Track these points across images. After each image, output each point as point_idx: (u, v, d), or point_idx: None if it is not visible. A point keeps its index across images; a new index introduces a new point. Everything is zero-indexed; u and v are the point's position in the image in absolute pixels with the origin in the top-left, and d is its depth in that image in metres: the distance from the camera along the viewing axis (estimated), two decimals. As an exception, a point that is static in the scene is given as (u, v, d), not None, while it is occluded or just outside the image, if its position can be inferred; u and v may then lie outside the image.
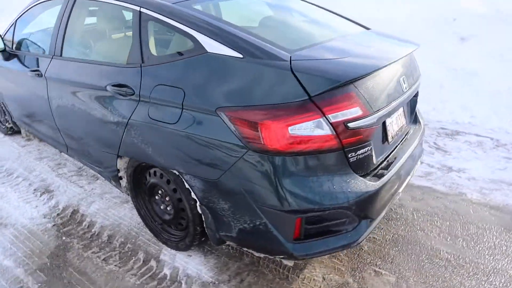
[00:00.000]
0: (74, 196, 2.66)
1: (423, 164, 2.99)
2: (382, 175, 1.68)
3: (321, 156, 1.46)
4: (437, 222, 2.30)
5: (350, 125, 1.45)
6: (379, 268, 1.96)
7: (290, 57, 1.50)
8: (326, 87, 1.40)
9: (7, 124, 3.59)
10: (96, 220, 2.40)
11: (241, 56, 1.54)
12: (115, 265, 2.02)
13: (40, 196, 2.68)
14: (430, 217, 2.35)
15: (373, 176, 1.66)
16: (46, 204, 2.59)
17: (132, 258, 2.07)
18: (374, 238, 2.18)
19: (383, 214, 1.78)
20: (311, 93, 1.39)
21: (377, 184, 1.61)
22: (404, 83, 1.80)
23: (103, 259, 2.07)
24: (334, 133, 1.43)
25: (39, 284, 1.91)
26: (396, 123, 1.87)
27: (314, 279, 1.90)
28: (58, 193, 2.71)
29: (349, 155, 1.51)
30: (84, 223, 2.37)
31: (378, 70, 1.57)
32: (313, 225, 1.54)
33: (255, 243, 1.65)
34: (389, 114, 1.72)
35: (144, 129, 1.81)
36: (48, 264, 2.04)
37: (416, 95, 2.13)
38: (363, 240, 1.65)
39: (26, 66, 2.70)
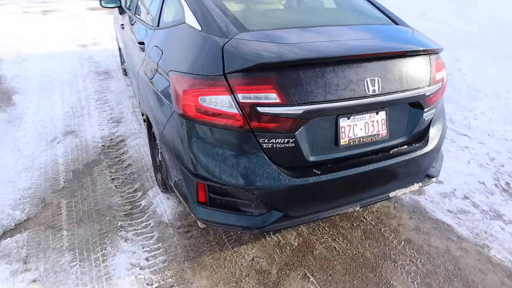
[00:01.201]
0: (130, 130, 3.30)
1: (467, 199, 2.46)
2: (312, 175, 1.58)
3: (228, 132, 1.50)
4: (420, 262, 1.95)
5: (260, 109, 1.44)
6: (312, 275, 1.85)
7: (235, 35, 1.56)
8: (240, 66, 1.42)
9: (122, 66, 4.58)
10: (130, 151, 2.96)
11: (200, 29, 1.68)
12: (115, 186, 2.52)
13: (111, 123, 3.43)
14: (417, 254, 2.00)
15: (301, 172, 1.58)
16: (110, 130, 3.31)
17: (129, 185, 2.53)
18: (334, 247, 2.03)
19: (313, 217, 1.68)
20: (226, 70, 1.44)
21: (297, 181, 1.54)
22: (372, 86, 1.57)
23: (112, 179, 2.59)
24: (241, 113, 1.45)
25: (65, 180, 2.57)
26: (362, 128, 1.68)
27: (244, 257, 1.95)
28: (123, 125, 3.41)
29: (261, 140, 1.50)
30: (120, 150, 2.97)
31: (314, 61, 1.46)
32: (217, 196, 1.61)
33: (180, 197, 1.83)
34: (343, 114, 1.58)
35: (141, 82, 2.16)
36: (80, 169, 2.70)
37: (421, 107, 1.80)
38: (270, 231, 1.63)
39: (128, 20, 3.41)
